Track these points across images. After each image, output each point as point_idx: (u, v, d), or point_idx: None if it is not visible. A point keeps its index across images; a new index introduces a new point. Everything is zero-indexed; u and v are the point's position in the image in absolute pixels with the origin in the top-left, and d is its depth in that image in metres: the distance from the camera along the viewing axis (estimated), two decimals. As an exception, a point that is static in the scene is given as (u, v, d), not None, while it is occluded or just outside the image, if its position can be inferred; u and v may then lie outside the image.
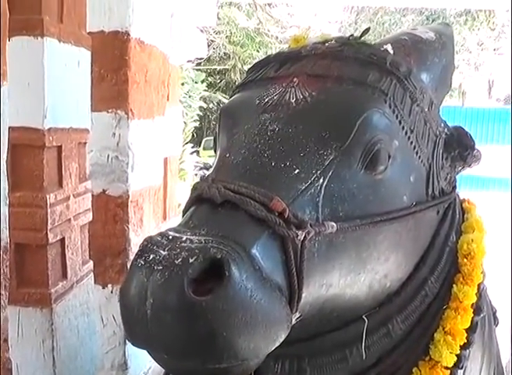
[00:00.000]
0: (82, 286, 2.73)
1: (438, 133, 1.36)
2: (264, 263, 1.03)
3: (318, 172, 1.14)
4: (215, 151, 1.35)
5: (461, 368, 1.38)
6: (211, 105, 12.97)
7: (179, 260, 0.97)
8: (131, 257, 3.12)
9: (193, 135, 9.27)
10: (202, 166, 9.94)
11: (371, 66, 1.27)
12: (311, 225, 1.07)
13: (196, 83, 9.13)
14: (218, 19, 10.37)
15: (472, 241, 1.44)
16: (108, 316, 3.32)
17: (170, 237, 1.02)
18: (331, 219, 1.11)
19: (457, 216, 1.49)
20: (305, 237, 1.06)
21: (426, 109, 1.32)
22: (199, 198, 1.12)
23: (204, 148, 14.26)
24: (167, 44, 3.66)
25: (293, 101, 1.23)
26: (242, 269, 0.98)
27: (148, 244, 1.02)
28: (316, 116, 1.19)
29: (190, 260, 0.96)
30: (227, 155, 1.21)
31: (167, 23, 3.68)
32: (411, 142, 1.29)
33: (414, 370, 1.35)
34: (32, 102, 2.23)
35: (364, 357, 1.31)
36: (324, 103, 1.21)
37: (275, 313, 1.02)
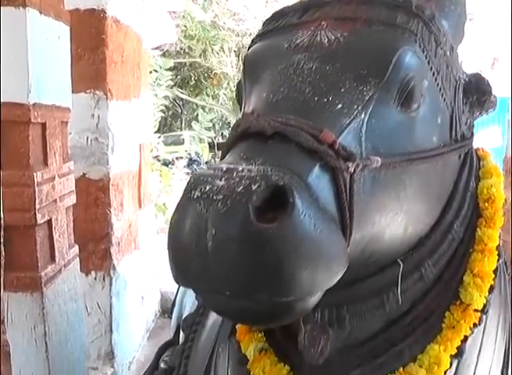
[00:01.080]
0: (69, 271, 2.65)
1: (458, 78, 1.37)
2: (319, 194, 0.99)
3: (360, 107, 1.12)
4: (241, 104, 1.31)
5: (485, 313, 1.38)
6: (167, 102, 12.88)
7: (241, 188, 0.91)
8: (114, 242, 3.06)
9: (159, 125, 9.19)
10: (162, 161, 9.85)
11: (397, 9, 1.26)
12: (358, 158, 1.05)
13: (164, 70, 9.02)
14: (174, 12, 10.28)
15: (491, 185, 1.45)
16: (92, 304, 3.24)
17: (224, 169, 0.96)
18: (373, 155, 1.09)
19: (475, 162, 1.49)
20: (355, 170, 1.03)
21: (448, 53, 1.32)
22: (245, 133, 1.07)
23: (164, 144, 14.16)
24: (140, 26, 3.58)
25: (325, 41, 1.20)
26: (304, 197, 0.94)
27: (200, 177, 0.97)
28: (352, 54, 1.17)
29: (253, 187, 0.91)
30: (264, 95, 1.17)
31: (140, 5, 3.61)
32: (437, 84, 1.29)
33: (446, 314, 1.34)
34: (16, 77, 2.14)
35: (400, 302, 1.29)
36: (357, 42, 1.19)
37: (336, 245, 0.99)
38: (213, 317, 2.06)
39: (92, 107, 3.01)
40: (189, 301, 2.70)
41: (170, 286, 4.52)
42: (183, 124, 17.70)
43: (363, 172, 1.07)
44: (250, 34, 12.83)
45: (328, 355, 1.29)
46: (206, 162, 13.65)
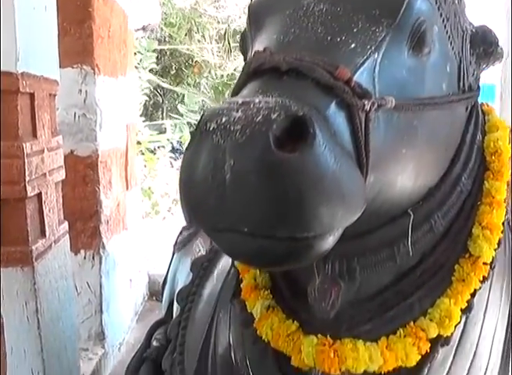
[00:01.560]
0: (60, 247, 2.60)
1: (465, 28, 1.35)
2: (336, 130, 0.96)
3: (373, 47, 1.09)
4: (245, 54, 1.28)
5: (493, 268, 1.37)
6: (151, 87, 12.73)
7: (260, 118, 0.87)
8: (103, 220, 3.01)
9: (143, 110, 9.10)
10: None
11: None
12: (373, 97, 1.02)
13: (148, 51, 8.94)
14: None
15: (498, 139, 1.44)
16: (82, 284, 3.20)
17: (240, 102, 0.93)
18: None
19: (480, 116, 1.48)
20: (370, 108, 1.00)
21: (456, 2, 1.30)
22: (258, 70, 1.04)
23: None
24: (125, 3, 3.52)
25: None
26: (323, 129, 0.91)
27: (215, 111, 0.93)
28: None
29: (272, 116, 0.87)
30: (274, 37, 1.13)
31: (124, -20, 3.55)
32: (447, 31, 1.27)
33: (456, 268, 1.33)
34: (4, 45, 2.08)
35: (411, 253, 1.27)
36: None
37: (355, 181, 0.96)
38: (210, 286, 2.03)
39: (79, 82, 2.95)
40: (182, 276, 2.66)
41: (158, 269, 4.48)
42: (165, 114, 17.59)
43: (377, 113, 1.05)
44: (232, 21, 12.77)
45: (339, 309, 1.27)
46: (188, 151, 13.50)
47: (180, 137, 13.07)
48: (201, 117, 0.94)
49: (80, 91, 2.95)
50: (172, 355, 2.03)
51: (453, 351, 1.44)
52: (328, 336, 1.28)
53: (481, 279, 1.35)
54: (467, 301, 1.35)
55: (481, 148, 1.44)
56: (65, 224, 2.69)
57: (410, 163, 1.18)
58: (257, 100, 0.91)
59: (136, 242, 4.07)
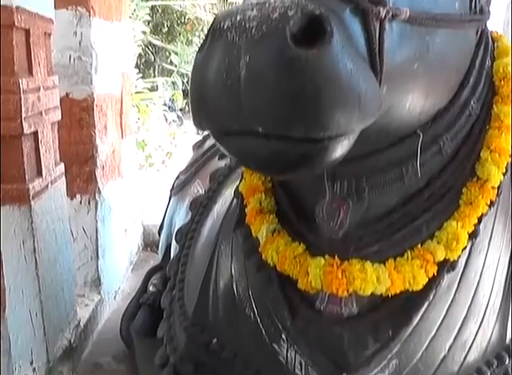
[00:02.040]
0: (56, 189, 2.57)
1: None
2: (351, 35, 0.93)
3: None
4: None
5: (499, 194, 1.37)
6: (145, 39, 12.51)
7: (276, 15, 0.84)
8: (99, 164, 2.98)
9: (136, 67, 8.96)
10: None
11: None
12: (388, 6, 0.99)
13: (142, 0, 8.77)
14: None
15: (507, 64, 1.43)
16: (78, 230, 3.18)
17: (255, 2, 0.89)
18: None
19: (490, 42, 1.46)
20: (385, 16, 0.97)
21: None
22: None
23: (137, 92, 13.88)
24: None
25: None
26: (340, 29, 0.88)
27: (230, 11, 0.89)
28: None
29: (289, 13, 0.84)
30: None
31: None
32: None
33: (463, 191, 1.33)
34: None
35: (419, 174, 1.26)
36: None
37: (371, 84, 0.94)
38: (210, 223, 2.02)
39: (74, 24, 2.89)
40: (179, 219, 2.65)
41: (153, 220, 4.48)
42: (157, 71, 17.38)
43: (391, 23, 1.02)
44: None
45: (347, 230, 1.26)
46: (180, 109, 13.46)
47: (172, 95, 12.95)
48: (215, 18, 0.91)
49: (75, 33, 2.89)
50: (172, 291, 2.02)
51: (458, 279, 1.45)
52: (335, 257, 1.27)
53: (489, 203, 1.35)
54: (474, 225, 1.35)
55: (490, 74, 1.43)
56: (62, 166, 2.66)
57: (421, 80, 1.16)
58: (272, 0, 0.88)
59: (131, 191, 4.04)
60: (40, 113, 2.36)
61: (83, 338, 3.00)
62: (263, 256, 1.41)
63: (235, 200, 1.79)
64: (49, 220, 2.48)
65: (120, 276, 3.72)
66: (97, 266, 3.26)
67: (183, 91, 15.83)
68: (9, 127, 2.16)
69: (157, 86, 13.91)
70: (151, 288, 2.99)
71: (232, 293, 1.68)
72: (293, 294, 1.43)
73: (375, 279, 1.25)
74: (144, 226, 4.54)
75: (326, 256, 1.28)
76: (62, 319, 2.67)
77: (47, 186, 2.45)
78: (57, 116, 2.57)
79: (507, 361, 1.58)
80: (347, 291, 1.26)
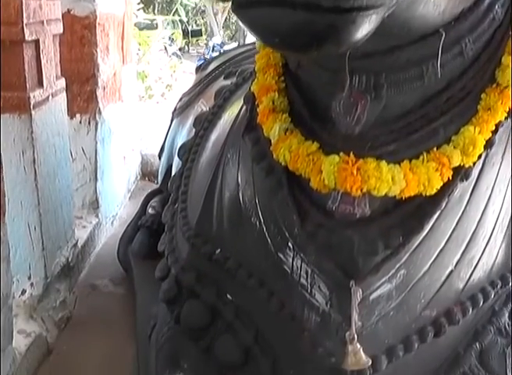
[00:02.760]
0: (57, 102, 2.52)
1: None
2: None
3: None
4: None
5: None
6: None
7: None
8: (100, 84, 2.92)
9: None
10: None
11: None
12: None
13: None
14: None
15: None
16: (77, 150, 3.13)
17: None
18: None
19: None
20: None
21: None
22: None
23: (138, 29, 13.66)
24: None
25: None
26: None
27: None
28: None
29: None
30: None
31: None
32: None
33: (482, 96, 1.30)
34: None
35: (439, 75, 1.23)
36: None
37: None
38: (215, 136, 1.98)
39: None
40: (181, 139, 2.61)
41: (151, 149, 4.44)
42: (156, 10, 17.10)
43: None
44: None
45: (362, 128, 1.22)
46: (180, 49, 13.31)
47: (172, 34, 12.79)
48: None
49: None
50: (174, 205, 2.00)
51: (470, 190, 1.42)
52: (351, 154, 1.24)
53: (507, 111, 1.32)
54: (492, 132, 1.32)
55: None
56: (63, 80, 2.60)
57: None
58: None
59: (131, 118, 3.98)
60: (42, 23, 2.29)
61: (81, 259, 2.99)
62: (274, 156, 1.38)
63: (243, 108, 1.74)
64: (49, 133, 2.43)
65: (118, 201, 3.70)
66: (96, 188, 3.23)
67: (183, 31, 15.62)
68: (10, 32, 2.10)
69: (156, 24, 13.72)
70: (149, 210, 2.97)
71: (238, 202, 1.65)
72: (303, 199, 1.40)
73: (389, 179, 1.22)
74: (143, 156, 4.50)
75: (341, 154, 1.24)
76: (61, 237, 2.65)
77: (47, 98, 2.39)
78: (58, 28, 2.50)
79: (511, 282, 1.58)
80: (361, 190, 1.22)
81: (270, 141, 1.42)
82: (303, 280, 1.47)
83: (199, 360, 1.68)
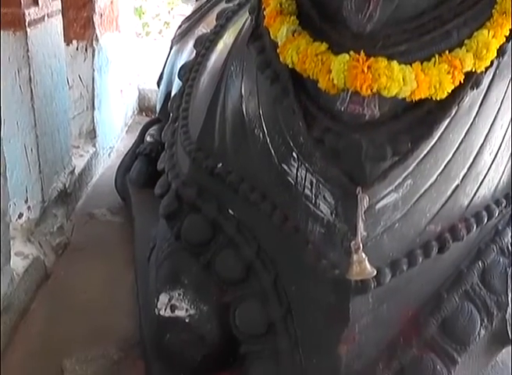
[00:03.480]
0: (52, 23, 2.45)
1: None
2: None
3: None
4: None
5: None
6: None
7: None
8: (97, 11, 2.84)
9: None
10: None
11: None
12: None
13: None
14: None
15: None
16: (74, 78, 3.07)
17: None
18: None
19: None
20: None
21: None
22: None
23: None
24: None
25: None
26: None
27: None
28: None
29: None
30: None
31: None
32: None
33: (498, 0, 1.28)
34: None
35: None
36: None
37: None
38: (217, 54, 1.92)
39: None
40: (181, 63, 2.54)
41: (148, 84, 4.37)
42: None
43: None
44: None
45: (374, 26, 1.17)
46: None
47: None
48: None
49: None
50: (174, 123, 1.96)
51: (480, 101, 1.40)
52: (361, 53, 1.19)
53: None
54: (506, 37, 1.27)
55: None
56: (58, 2, 2.52)
57: None
58: None
59: (128, 51, 3.90)
60: None
61: (78, 187, 2.96)
62: (281, 58, 1.33)
63: (248, 21, 1.69)
64: (45, 54, 2.37)
65: (115, 133, 3.65)
66: (93, 117, 3.18)
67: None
68: None
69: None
70: (148, 138, 2.93)
71: (241, 114, 1.62)
72: (309, 104, 1.36)
73: (400, 78, 1.18)
74: (140, 91, 4.43)
75: (351, 52, 1.20)
76: (57, 162, 2.61)
77: (43, 18, 2.32)
78: None
79: (516, 201, 1.56)
80: (371, 90, 1.18)
81: (276, 48, 1.37)
82: (307, 191, 1.44)
83: (199, 276, 1.67)
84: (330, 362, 1.50)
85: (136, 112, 4.34)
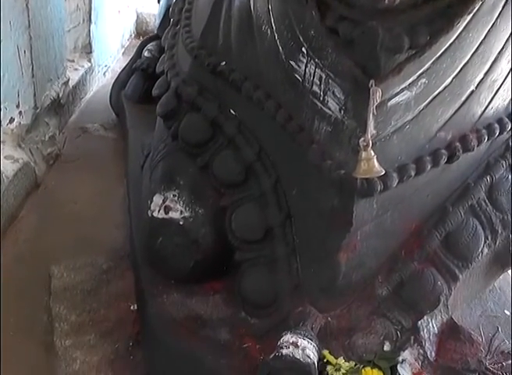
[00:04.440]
0: None
1: None
2: None
3: None
4: None
5: None
6: None
7: None
8: None
9: None
10: None
11: None
12: None
13: None
14: None
15: None
16: (69, -13, 2.93)
17: None
18: None
19: None
20: None
21: None
22: None
23: None
24: None
25: None
26: None
27: None
28: None
29: None
30: None
31: None
32: None
33: None
34: None
35: None
36: None
37: None
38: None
39: None
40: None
41: (147, 8, 4.24)
42: None
43: None
44: None
45: None
46: None
47: None
48: None
49: None
50: (176, 26, 1.86)
51: (504, 1, 1.31)
52: None
53: None
54: None
55: None
56: None
57: None
58: None
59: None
60: None
61: (72, 101, 2.87)
62: None
63: None
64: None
65: (111, 52, 3.54)
66: (89, 31, 3.07)
67: None
68: None
69: None
70: (145, 54, 2.81)
71: (249, 11, 1.52)
72: None
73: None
74: (138, 14, 4.31)
75: None
76: (51, 69, 2.51)
77: None
78: None
79: (530, 119, 1.50)
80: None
81: None
82: (315, 88, 1.36)
83: (196, 177, 1.60)
84: (328, 272, 1.45)
85: (133, 36, 4.23)
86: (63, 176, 2.45)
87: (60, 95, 2.60)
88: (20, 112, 2.30)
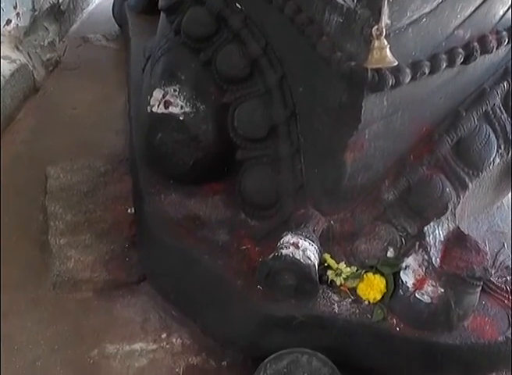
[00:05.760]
0: None
1: None
2: None
3: None
4: None
5: None
6: None
7: None
8: None
9: None
10: None
11: None
12: None
13: None
14: None
15: None
16: None
17: None
18: None
19: None
20: None
21: None
22: None
23: None
24: None
25: None
26: None
27: None
28: None
29: None
30: None
31: None
32: None
33: None
34: None
35: None
36: None
37: None
38: None
39: None
40: None
41: None
42: None
43: None
44: None
45: None
46: None
47: None
48: None
49: None
50: None
51: None
52: None
53: None
54: None
55: None
56: None
57: None
58: None
59: None
60: None
61: (73, 9, 2.77)
62: None
63: None
64: None
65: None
66: None
67: None
68: None
69: None
70: None
71: None
72: None
73: None
74: None
75: None
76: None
77: None
78: None
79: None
80: None
81: None
82: None
83: (198, 73, 1.52)
84: (333, 172, 1.39)
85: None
86: (63, 83, 2.38)
87: (60, 1, 2.49)
88: (18, 14, 2.21)
